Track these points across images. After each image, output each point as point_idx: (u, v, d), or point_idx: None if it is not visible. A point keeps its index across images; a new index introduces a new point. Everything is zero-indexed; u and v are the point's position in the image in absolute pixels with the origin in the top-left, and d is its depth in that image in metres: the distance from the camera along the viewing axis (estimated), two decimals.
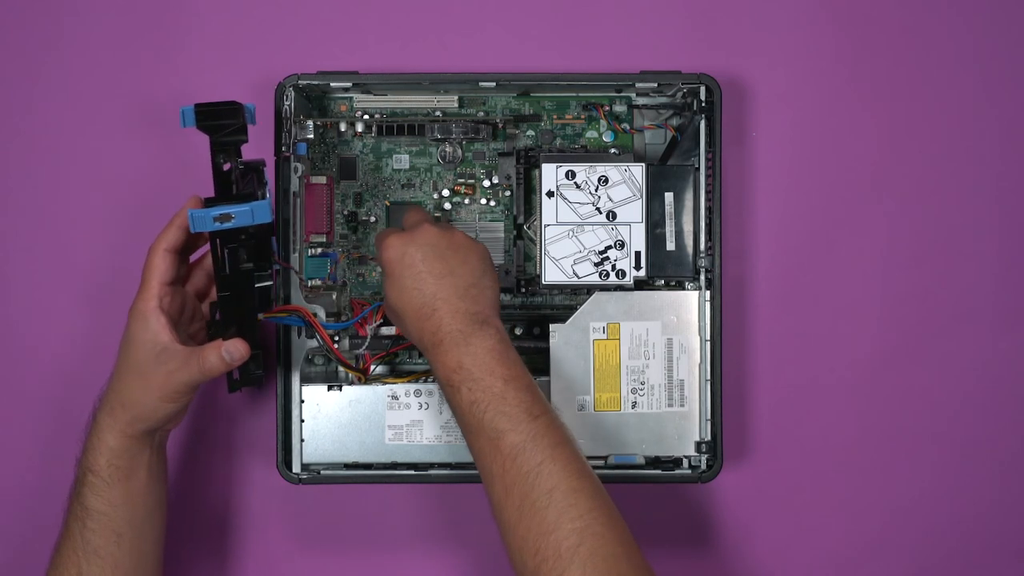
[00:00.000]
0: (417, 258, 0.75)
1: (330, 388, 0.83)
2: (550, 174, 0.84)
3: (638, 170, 0.84)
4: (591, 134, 0.88)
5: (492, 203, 0.89)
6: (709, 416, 0.84)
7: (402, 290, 0.75)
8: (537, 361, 0.83)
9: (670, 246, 0.85)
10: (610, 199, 0.84)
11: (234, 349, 0.75)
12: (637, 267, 0.84)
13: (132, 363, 0.75)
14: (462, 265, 0.75)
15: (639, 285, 0.85)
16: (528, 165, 0.86)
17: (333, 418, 0.83)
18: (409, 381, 0.84)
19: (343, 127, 0.86)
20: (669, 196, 0.85)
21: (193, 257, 0.81)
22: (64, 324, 0.89)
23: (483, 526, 0.90)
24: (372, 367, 0.86)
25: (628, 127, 0.88)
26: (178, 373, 0.74)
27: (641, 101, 0.88)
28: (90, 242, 0.89)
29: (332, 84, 0.84)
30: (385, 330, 0.83)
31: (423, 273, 0.74)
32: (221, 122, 0.72)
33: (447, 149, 0.87)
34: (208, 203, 0.73)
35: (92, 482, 0.75)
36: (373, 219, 0.88)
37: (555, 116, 0.88)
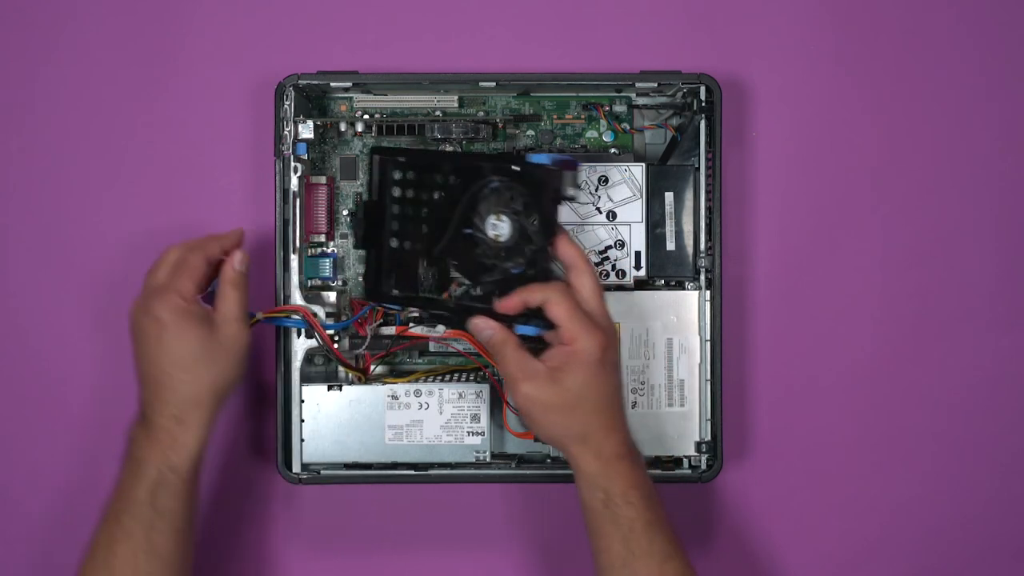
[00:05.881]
0: (617, 360, 0.75)
1: (330, 388, 0.83)
2: None
3: (638, 170, 0.84)
4: (591, 134, 0.88)
5: None
6: (709, 416, 0.84)
7: (607, 385, 0.74)
8: None
9: (670, 246, 0.85)
10: (610, 199, 0.84)
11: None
12: (637, 267, 0.84)
13: (181, 362, 0.74)
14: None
15: (639, 285, 0.85)
16: None
17: (333, 418, 0.83)
18: (409, 381, 0.84)
19: (343, 127, 0.86)
20: (669, 196, 0.85)
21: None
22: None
23: (482, 526, 0.90)
24: (372, 367, 0.86)
25: (628, 127, 0.88)
26: (240, 336, 0.76)
27: (641, 101, 0.88)
28: (92, 242, 0.89)
29: (332, 84, 0.84)
30: (385, 330, 0.83)
31: (620, 383, 0.76)
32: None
33: (447, 149, 0.87)
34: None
35: (172, 482, 0.74)
36: None
37: (555, 116, 0.88)
